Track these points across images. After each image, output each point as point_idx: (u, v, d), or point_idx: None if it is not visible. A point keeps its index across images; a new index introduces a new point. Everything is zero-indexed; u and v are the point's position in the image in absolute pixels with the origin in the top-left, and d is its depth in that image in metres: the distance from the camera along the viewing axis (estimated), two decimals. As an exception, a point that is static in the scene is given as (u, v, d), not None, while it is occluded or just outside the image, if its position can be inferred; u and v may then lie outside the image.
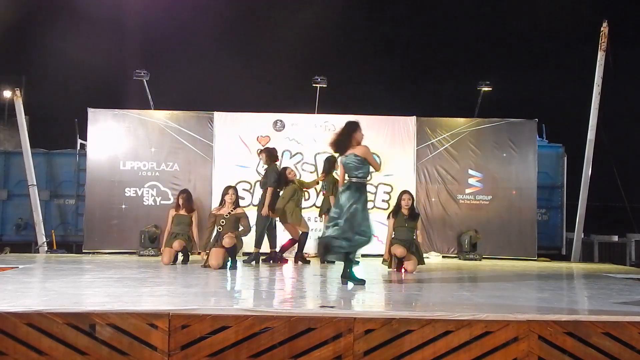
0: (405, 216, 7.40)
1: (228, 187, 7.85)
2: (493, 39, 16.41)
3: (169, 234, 8.10)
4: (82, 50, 13.81)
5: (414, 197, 7.72)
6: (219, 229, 7.60)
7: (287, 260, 8.65)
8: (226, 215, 7.63)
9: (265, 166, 8.50)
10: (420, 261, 7.42)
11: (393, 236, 7.40)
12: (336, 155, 6.92)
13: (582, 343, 4.13)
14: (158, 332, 4.01)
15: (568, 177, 11.10)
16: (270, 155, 8.39)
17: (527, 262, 9.72)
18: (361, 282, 6.02)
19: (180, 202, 8.24)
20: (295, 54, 15.67)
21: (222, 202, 7.79)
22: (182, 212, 8.16)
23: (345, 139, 6.26)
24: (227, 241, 7.42)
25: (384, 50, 17.51)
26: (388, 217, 7.62)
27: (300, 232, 8.45)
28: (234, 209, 7.70)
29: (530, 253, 10.11)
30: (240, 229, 7.67)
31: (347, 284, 6.03)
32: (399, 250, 7.22)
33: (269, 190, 8.11)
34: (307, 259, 8.63)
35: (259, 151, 9.13)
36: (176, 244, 7.93)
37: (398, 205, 7.51)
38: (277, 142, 10.17)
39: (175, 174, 10.08)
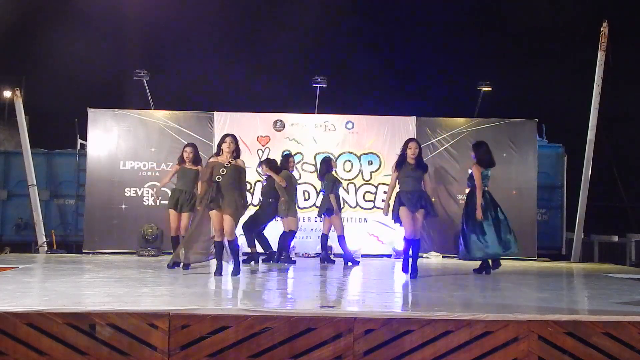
0: (412, 165, 6.78)
1: (226, 135, 6.79)
2: (493, 38, 16.42)
3: (173, 190, 7.69)
4: (82, 50, 13.83)
5: (421, 147, 7.11)
6: (218, 178, 6.48)
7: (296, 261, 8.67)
8: (227, 164, 6.53)
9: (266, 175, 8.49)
10: (433, 212, 6.86)
11: (399, 189, 6.80)
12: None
13: (582, 343, 4.13)
14: (158, 332, 4.01)
15: (568, 177, 11.09)
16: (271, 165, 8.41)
17: (527, 262, 9.72)
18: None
19: (185, 155, 7.66)
20: (295, 54, 15.68)
21: (219, 152, 6.69)
22: (188, 165, 7.68)
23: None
24: (228, 225, 6.48)
25: (384, 51, 17.53)
26: (393, 169, 6.96)
27: (289, 230, 8.44)
28: (234, 159, 6.62)
29: (530, 253, 10.10)
30: (238, 195, 6.54)
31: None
32: (405, 217, 6.64)
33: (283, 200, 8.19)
34: (293, 259, 8.67)
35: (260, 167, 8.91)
36: (184, 219, 7.53)
37: (403, 156, 6.87)
38: (277, 142, 10.18)
39: (175, 174, 10.08)
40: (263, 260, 8.48)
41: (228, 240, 6.67)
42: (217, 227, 6.57)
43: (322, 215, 8.65)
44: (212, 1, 15.38)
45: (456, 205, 10.25)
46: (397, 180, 6.86)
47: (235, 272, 6.63)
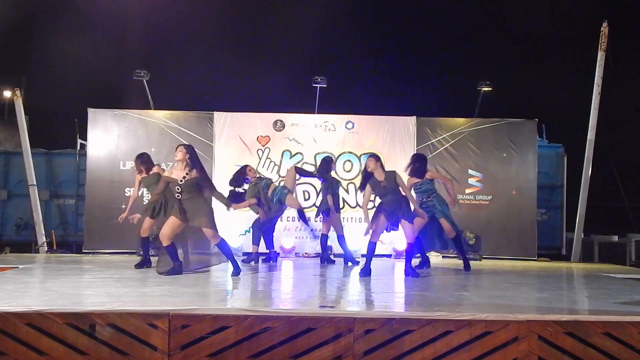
0: (381, 182, 6.73)
1: (178, 146, 6.60)
2: (493, 39, 16.44)
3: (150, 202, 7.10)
4: (82, 50, 13.83)
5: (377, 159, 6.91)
6: (178, 196, 6.35)
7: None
8: (180, 181, 6.32)
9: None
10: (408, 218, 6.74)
11: (381, 202, 6.79)
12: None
13: (582, 343, 4.13)
14: (158, 332, 4.01)
15: (568, 177, 11.09)
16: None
17: (527, 262, 9.71)
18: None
19: (137, 166, 7.45)
20: (295, 54, 15.68)
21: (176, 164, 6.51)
22: (144, 175, 7.44)
23: None
24: (209, 234, 6.43)
25: (384, 51, 17.52)
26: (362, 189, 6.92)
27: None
28: (190, 171, 6.35)
29: (530, 253, 10.10)
30: (204, 201, 6.41)
31: None
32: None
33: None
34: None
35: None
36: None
37: (368, 175, 6.79)
38: (277, 142, 10.18)
39: (175, 174, 10.08)
40: (263, 260, 8.48)
41: (216, 245, 6.62)
42: (168, 234, 6.41)
43: (321, 215, 8.65)
44: (212, 1, 15.39)
45: (456, 205, 10.22)
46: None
47: (236, 272, 6.60)
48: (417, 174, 7.66)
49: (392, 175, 6.78)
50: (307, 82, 10.80)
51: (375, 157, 6.89)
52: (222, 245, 6.59)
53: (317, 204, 9.53)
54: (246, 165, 8.65)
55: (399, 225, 6.77)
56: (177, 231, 6.49)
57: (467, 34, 16.75)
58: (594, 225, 11.05)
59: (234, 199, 8.38)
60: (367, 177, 6.82)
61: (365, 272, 6.82)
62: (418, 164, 7.70)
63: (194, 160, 6.41)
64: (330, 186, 8.46)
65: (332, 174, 8.70)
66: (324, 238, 8.71)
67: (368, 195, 6.99)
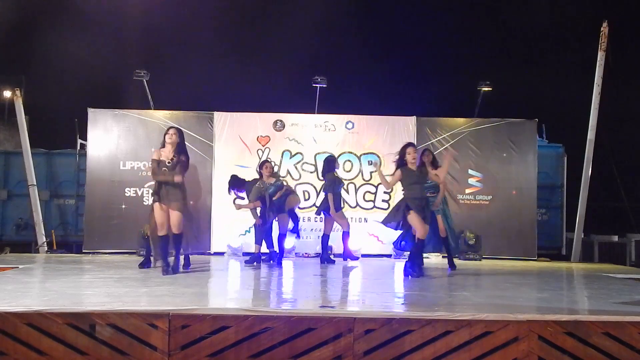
0: (415, 172, 6.86)
1: (169, 128, 6.82)
2: (493, 39, 16.41)
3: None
4: (82, 50, 13.81)
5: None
6: (161, 178, 6.56)
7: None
8: (168, 163, 6.52)
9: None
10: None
11: (404, 195, 6.85)
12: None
13: (582, 343, 4.13)
14: (158, 332, 4.01)
15: (568, 177, 11.09)
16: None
17: (527, 262, 9.72)
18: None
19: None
20: (295, 54, 15.66)
21: (164, 144, 6.66)
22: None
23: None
24: (174, 221, 6.48)
25: (384, 51, 17.51)
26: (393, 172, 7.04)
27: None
28: (178, 153, 6.58)
29: (530, 253, 10.10)
30: (183, 190, 6.53)
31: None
32: (416, 219, 6.74)
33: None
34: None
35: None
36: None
37: (403, 161, 6.91)
38: (277, 142, 10.18)
39: (175, 174, 10.07)
40: (263, 260, 8.48)
41: (174, 234, 6.63)
42: (160, 221, 6.57)
43: (322, 214, 8.68)
44: (212, 1, 15.38)
45: (456, 205, 10.23)
46: (402, 187, 6.93)
47: (176, 267, 6.67)
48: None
49: (425, 172, 7.01)
50: (307, 82, 10.80)
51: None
52: (178, 237, 6.63)
53: (317, 203, 9.55)
54: (265, 161, 8.70)
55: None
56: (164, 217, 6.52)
57: (467, 34, 16.72)
58: (594, 225, 11.05)
59: (234, 185, 8.41)
60: (401, 164, 6.90)
61: (419, 272, 6.85)
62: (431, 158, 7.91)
63: (182, 145, 6.64)
64: (332, 185, 8.49)
65: (335, 173, 8.72)
66: (325, 238, 8.73)
67: (394, 182, 7.03)
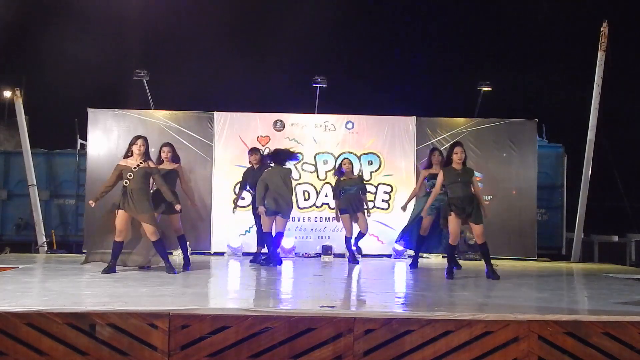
0: (459, 171, 6.83)
1: (137, 137, 6.86)
2: (493, 39, 16.40)
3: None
4: (82, 50, 13.80)
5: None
6: (126, 183, 6.63)
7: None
8: (134, 168, 6.61)
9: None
10: (477, 219, 6.80)
11: (450, 195, 6.82)
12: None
13: (582, 343, 4.13)
14: (158, 332, 4.01)
15: (568, 177, 11.08)
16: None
17: (527, 262, 9.72)
18: None
19: (163, 155, 7.59)
20: (295, 54, 15.67)
21: (130, 153, 6.75)
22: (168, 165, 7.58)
23: None
24: (149, 230, 6.54)
25: (384, 50, 17.51)
26: (439, 175, 7.03)
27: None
28: (144, 161, 6.67)
29: (530, 253, 10.10)
30: (149, 199, 6.63)
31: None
32: (455, 225, 6.78)
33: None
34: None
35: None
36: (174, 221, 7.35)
37: (449, 160, 6.93)
38: (277, 142, 10.17)
39: (175, 174, 10.05)
40: (262, 261, 8.47)
41: (153, 242, 6.68)
42: (120, 228, 6.68)
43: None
44: (212, 1, 15.38)
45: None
46: (445, 186, 6.93)
47: (171, 271, 6.65)
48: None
49: (470, 171, 6.94)
50: (307, 82, 10.80)
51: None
52: (158, 244, 6.66)
53: (317, 204, 9.55)
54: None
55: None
56: (125, 225, 6.68)
57: (467, 33, 16.72)
58: (594, 225, 11.04)
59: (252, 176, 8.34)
60: (447, 163, 6.96)
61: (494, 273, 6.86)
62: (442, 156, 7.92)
63: (147, 153, 6.75)
64: (363, 186, 8.76)
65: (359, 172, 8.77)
66: (347, 240, 8.71)
67: (440, 184, 7.00)
